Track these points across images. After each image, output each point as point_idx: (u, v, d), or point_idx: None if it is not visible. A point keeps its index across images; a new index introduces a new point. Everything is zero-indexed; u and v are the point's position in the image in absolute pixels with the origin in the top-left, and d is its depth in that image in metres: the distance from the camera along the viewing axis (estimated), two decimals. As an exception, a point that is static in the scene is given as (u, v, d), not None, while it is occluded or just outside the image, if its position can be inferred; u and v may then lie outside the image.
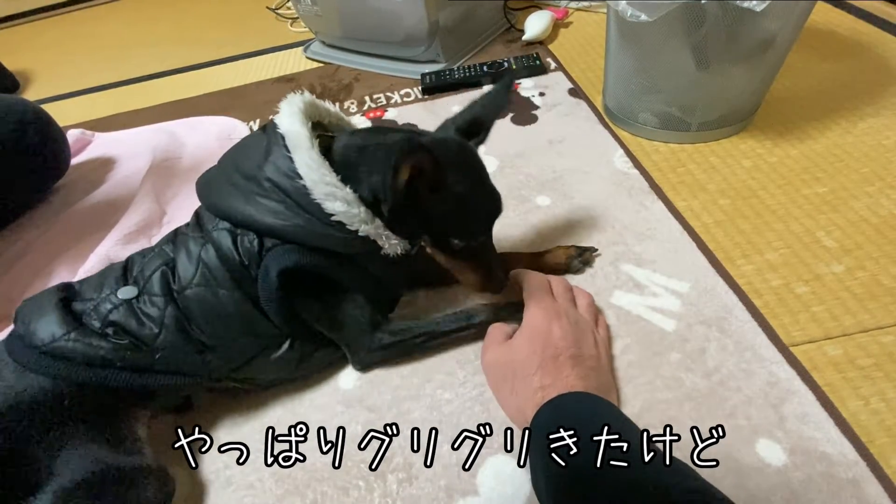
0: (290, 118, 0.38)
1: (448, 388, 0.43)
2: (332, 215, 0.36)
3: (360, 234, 0.37)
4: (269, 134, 0.39)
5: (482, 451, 0.38)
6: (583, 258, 0.50)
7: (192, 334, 0.38)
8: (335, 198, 0.36)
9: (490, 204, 0.40)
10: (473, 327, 0.45)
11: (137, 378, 0.37)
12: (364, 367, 0.45)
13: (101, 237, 0.62)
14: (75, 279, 0.55)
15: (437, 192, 0.36)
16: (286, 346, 0.41)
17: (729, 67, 0.57)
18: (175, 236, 0.42)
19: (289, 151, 0.37)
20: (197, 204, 0.68)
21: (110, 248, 0.58)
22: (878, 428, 0.36)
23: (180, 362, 0.39)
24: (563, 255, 0.50)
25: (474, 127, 0.42)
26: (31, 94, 1.22)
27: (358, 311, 0.42)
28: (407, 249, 0.40)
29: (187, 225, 0.43)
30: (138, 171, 0.75)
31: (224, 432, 0.43)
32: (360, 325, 0.42)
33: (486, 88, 0.45)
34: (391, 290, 0.47)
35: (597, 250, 0.51)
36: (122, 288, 0.39)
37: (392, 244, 0.39)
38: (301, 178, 0.36)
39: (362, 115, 0.83)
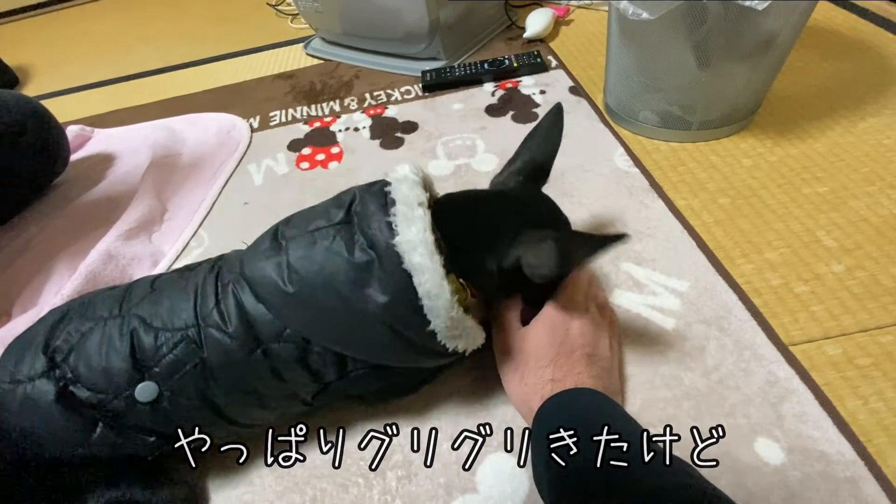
0: (425, 254, 0.30)
1: (448, 385, 0.43)
2: (450, 350, 0.33)
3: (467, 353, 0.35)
4: (382, 256, 0.31)
5: (482, 449, 0.39)
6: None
7: (229, 427, 0.36)
8: (461, 338, 0.33)
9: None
10: None
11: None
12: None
13: (101, 233, 0.62)
14: (74, 275, 0.55)
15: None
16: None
17: (730, 66, 0.57)
18: (199, 319, 0.33)
19: (416, 294, 0.31)
20: (199, 200, 0.69)
21: (111, 244, 0.58)
22: (877, 427, 0.36)
23: (211, 436, 0.37)
24: None
25: (537, 172, 0.42)
26: (30, 90, 1.22)
27: (407, 386, 0.42)
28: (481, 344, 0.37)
29: (216, 304, 0.34)
30: (138, 168, 0.75)
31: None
32: (407, 389, 0.42)
33: (539, 118, 0.43)
34: None
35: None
36: (140, 386, 0.32)
37: (479, 342, 0.36)
38: (430, 324, 0.31)
39: (363, 111, 0.83)
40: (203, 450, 0.40)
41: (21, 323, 0.53)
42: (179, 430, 0.35)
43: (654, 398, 0.39)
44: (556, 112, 0.42)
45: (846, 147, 0.59)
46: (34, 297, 0.58)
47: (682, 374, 0.40)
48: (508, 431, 0.38)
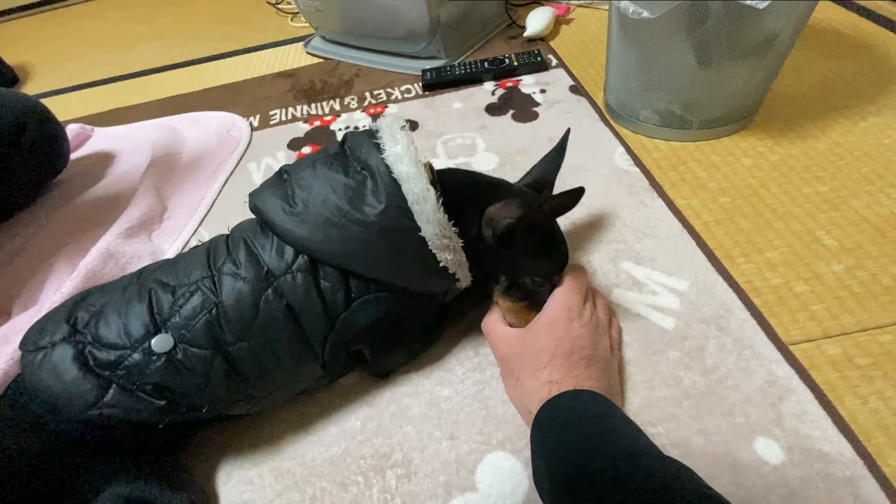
0: (410, 164, 0.35)
1: (447, 384, 0.43)
2: (440, 263, 0.36)
3: (455, 275, 0.38)
4: (374, 171, 0.35)
5: (481, 448, 0.39)
6: None
7: (240, 386, 0.36)
8: (448, 249, 0.36)
9: (565, 248, 0.43)
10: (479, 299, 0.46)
11: (182, 430, 0.37)
12: (387, 374, 0.45)
13: (101, 232, 0.62)
14: (74, 273, 0.55)
15: (532, 231, 0.39)
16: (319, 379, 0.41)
17: (731, 65, 0.57)
18: (212, 269, 0.36)
19: (406, 201, 0.34)
20: (199, 199, 0.69)
21: (111, 242, 0.58)
22: (876, 427, 0.36)
23: (225, 410, 0.38)
24: None
25: (539, 185, 0.46)
26: (30, 89, 1.22)
27: (413, 333, 0.43)
28: (471, 281, 0.41)
29: (228, 252, 0.37)
30: (138, 166, 0.75)
31: (223, 428, 0.43)
32: (409, 345, 0.43)
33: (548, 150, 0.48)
34: (443, 308, 0.46)
35: None
36: (157, 337, 0.34)
37: (468, 279, 0.40)
38: (420, 230, 0.35)
39: (363, 110, 0.83)
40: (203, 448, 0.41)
41: (22, 321, 0.53)
42: (189, 401, 0.35)
43: (653, 397, 0.39)
44: (563, 139, 0.47)
45: (847, 146, 0.59)
46: (34, 295, 0.58)
47: (682, 374, 0.40)
48: (507, 430, 0.38)
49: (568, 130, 0.47)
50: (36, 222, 0.69)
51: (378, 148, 0.36)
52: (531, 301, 0.41)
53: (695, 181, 0.58)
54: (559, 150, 0.47)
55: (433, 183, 0.36)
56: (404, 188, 0.35)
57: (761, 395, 0.38)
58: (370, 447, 0.40)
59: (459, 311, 0.47)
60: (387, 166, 0.35)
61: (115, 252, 0.58)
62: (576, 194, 0.36)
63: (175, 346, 0.34)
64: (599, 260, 0.51)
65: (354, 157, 0.37)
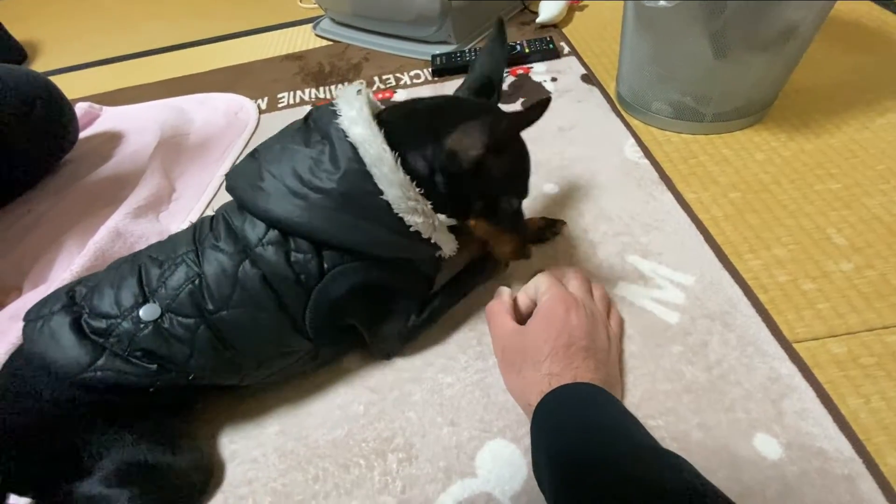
0: (364, 125, 0.34)
1: (449, 372, 0.44)
2: (410, 227, 0.36)
3: (431, 241, 0.38)
4: (332, 138, 0.35)
5: (482, 435, 0.39)
6: (554, 229, 0.52)
7: (226, 355, 0.37)
8: (416, 212, 0.36)
9: (529, 158, 0.41)
10: (478, 282, 0.47)
11: (173, 395, 0.38)
12: (391, 355, 0.45)
13: (111, 211, 0.62)
14: (83, 252, 0.56)
15: (501, 153, 0.37)
16: (311, 353, 0.41)
17: (748, 57, 0.55)
18: (197, 245, 0.38)
19: (363, 164, 0.34)
20: (207, 181, 0.69)
21: (119, 222, 0.58)
22: (877, 426, 0.36)
23: (214, 378, 0.38)
24: (533, 225, 0.52)
25: (487, 88, 0.43)
26: (38, 66, 1.21)
27: (403, 307, 0.42)
28: (455, 250, 0.41)
29: (211, 229, 0.38)
30: (147, 147, 0.75)
31: (229, 408, 0.44)
32: (401, 319, 0.43)
33: (485, 45, 0.44)
34: (432, 281, 0.46)
35: (565, 223, 0.53)
36: (144, 307, 0.35)
37: (450, 247, 0.40)
38: (382, 193, 0.35)
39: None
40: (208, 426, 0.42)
41: (32, 298, 0.53)
42: (180, 363, 0.36)
43: (654, 391, 0.40)
44: (498, 26, 0.43)
45: (862, 143, 0.58)
46: (44, 273, 0.59)
47: (684, 368, 0.41)
48: (507, 418, 0.39)
49: (500, 20, 0.43)
50: (46, 200, 0.69)
51: (335, 115, 0.36)
52: (509, 223, 0.41)
53: (705, 175, 0.58)
54: (500, 41, 0.43)
55: (380, 122, 0.35)
56: (360, 151, 0.34)
57: (763, 391, 0.38)
58: (372, 431, 0.41)
59: (460, 286, 0.46)
60: (343, 131, 0.35)
61: (123, 231, 0.58)
62: (541, 106, 0.33)
63: (162, 315, 0.35)
64: (605, 252, 0.50)
65: (316, 128, 0.37)
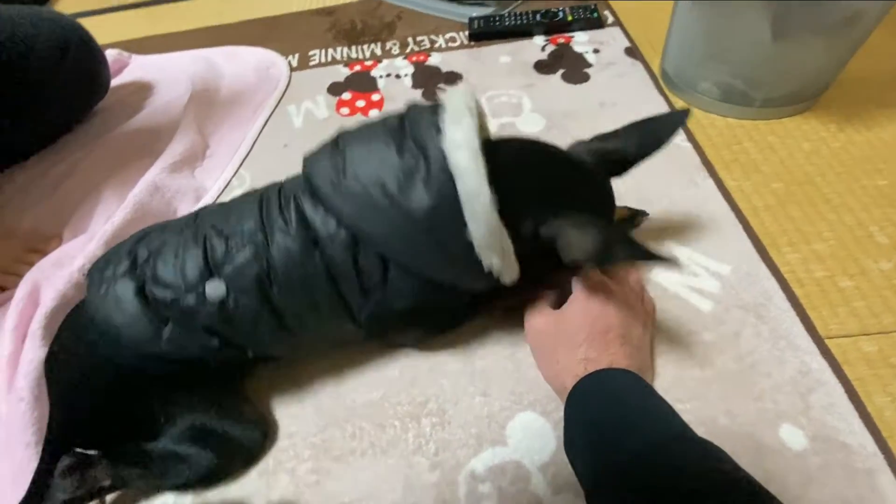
0: (469, 155, 0.31)
1: (482, 344, 0.45)
2: (485, 267, 0.34)
3: (499, 278, 0.35)
4: (431, 158, 0.32)
5: (513, 406, 0.41)
6: (635, 221, 0.50)
7: (286, 336, 0.37)
8: (497, 253, 0.33)
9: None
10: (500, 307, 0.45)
11: (233, 370, 0.39)
12: (402, 346, 0.46)
13: (145, 163, 0.63)
14: (123, 204, 0.56)
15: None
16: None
17: (808, 41, 0.53)
18: (265, 223, 0.36)
19: (457, 195, 0.31)
20: (240, 139, 0.69)
21: (157, 176, 0.59)
22: (902, 425, 0.37)
23: (272, 352, 0.40)
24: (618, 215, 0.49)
25: (618, 164, 0.40)
26: (60, 7, 1.18)
27: (437, 320, 0.43)
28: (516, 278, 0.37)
29: (280, 209, 0.37)
30: (178, 99, 0.75)
31: (269, 368, 0.45)
32: (427, 330, 0.43)
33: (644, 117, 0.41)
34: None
35: (647, 214, 0.50)
36: (210, 282, 0.35)
37: (511, 276, 0.36)
38: (467, 228, 0.32)
39: (405, 58, 0.80)
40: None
41: (74, 247, 0.55)
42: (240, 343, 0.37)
43: (684, 376, 0.41)
44: (679, 121, 0.41)
45: (915, 139, 0.56)
46: (84, 223, 0.60)
47: (715, 357, 0.41)
48: (539, 394, 0.40)
49: (686, 114, 0.41)
50: (80, 149, 0.70)
51: (438, 130, 0.33)
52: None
53: (749, 162, 0.57)
54: (668, 133, 0.40)
55: (487, 152, 0.32)
56: (457, 182, 0.32)
57: (792, 384, 0.39)
58: (407, 395, 0.42)
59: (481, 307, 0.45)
60: (443, 153, 0.32)
61: (161, 186, 0.59)
62: (661, 259, 0.33)
63: (227, 295, 0.35)
64: (642, 237, 0.50)
65: (412, 135, 0.34)
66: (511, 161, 0.36)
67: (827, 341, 0.42)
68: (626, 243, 0.34)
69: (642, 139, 0.40)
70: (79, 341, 0.38)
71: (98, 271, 0.38)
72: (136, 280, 0.36)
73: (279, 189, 0.39)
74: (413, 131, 0.34)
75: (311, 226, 0.35)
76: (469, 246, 0.33)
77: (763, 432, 0.37)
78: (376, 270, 0.35)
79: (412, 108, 0.36)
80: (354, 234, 0.35)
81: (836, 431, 0.37)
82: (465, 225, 0.32)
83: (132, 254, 0.37)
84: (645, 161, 0.41)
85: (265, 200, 0.38)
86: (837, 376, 0.39)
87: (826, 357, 0.40)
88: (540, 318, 0.41)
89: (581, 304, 0.39)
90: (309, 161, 0.37)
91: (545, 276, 0.42)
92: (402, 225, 0.33)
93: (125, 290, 0.35)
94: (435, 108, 0.35)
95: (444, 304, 0.40)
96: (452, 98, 0.34)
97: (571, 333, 0.38)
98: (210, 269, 0.35)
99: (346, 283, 0.36)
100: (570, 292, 0.41)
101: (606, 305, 0.38)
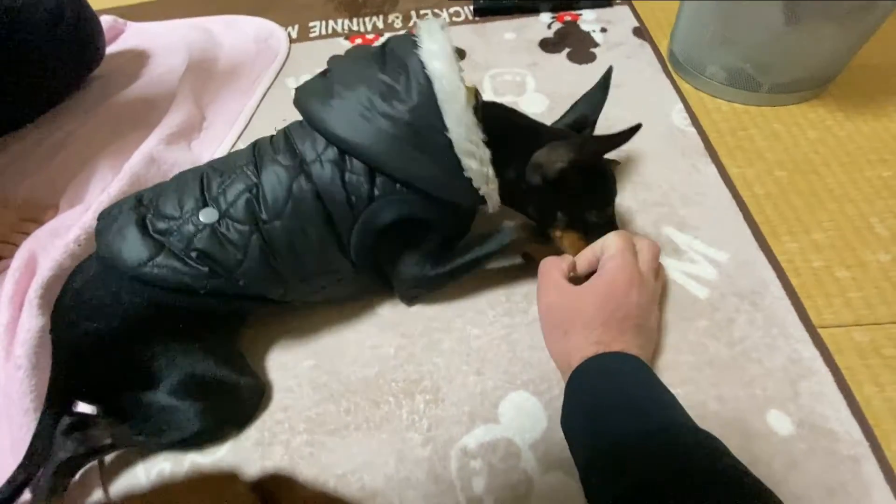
0: (445, 61, 0.35)
1: (477, 324, 0.45)
2: (465, 171, 0.37)
3: (480, 192, 0.39)
4: (411, 69, 0.36)
5: (506, 385, 0.41)
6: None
7: (274, 265, 0.38)
8: (473, 157, 0.37)
9: (613, 178, 0.44)
10: (507, 248, 0.45)
11: (223, 304, 0.39)
12: (410, 299, 0.46)
13: (142, 135, 0.62)
14: (119, 175, 0.56)
15: (585, 173, 0.40)
16: (351, 275, 0.42)
17: (821, 26, 0.52)
18: (256, 158, 0.39)
19: (436, 98, 0.35)
20: (238, 110, 0.68)
21: (153, 148, 0.58)
22: (888, 414, 0.38)
23: (262, 290, 0.40)
24: None
25: (580, 125, 0.47)
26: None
27: (424, 250, 0.43)
28: (498, 208, 0.42)
29: (271, 144, 0.40)
30: (175, 69, 0.73)
31: (266, 341, 0.46)
32: (419, 263, 0.43)
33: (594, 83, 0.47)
34: (461, 237, 0.46)
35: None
36: (203, 210, 0.37)
37: (494, 203, 0.41)
38: (448, 130, 0.36)
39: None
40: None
41: (71, 217, 0.55)
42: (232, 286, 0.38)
43: (676, 361, 0.41)
44: (606, 76, 0.47)
45: (923, 130, 0.56)
46: (80, 193, 0.59)
47: (708, 342, 0.42)
48: (532, 374, 0.41)
49: (610, 69, 0.47)
50: (75, 118, 0.69)
51: (416, 45, 0.36)
52: (595, 233, 0.42)
53: (752, 149, 0.56)
54: (602, 89, 0.46)
55: (475, 109, 0.37)
56: (436, 86, 0.35)
57: (783, 371, 0.40)
58: (402, 372, 0.43)
59: (489, 249, 0.45)
60: (421, 63, 0.36)
61: (157, 158, 0.58)
62: (627, 134, 0.36)
63: (219, 219, 0.37)
64: (642, 222, 0.50)
65: (393, 56, 0.38)
66: (490, 105, 0.41)
67: (820, 331, 0.42)
68: (596, 139, 0.40)
69: (585, 103, 0.48)
70: (85, 283, 0.38)
71: (106, 211, 0.40)
72: (139, 214, 0.38)
73: (271, 136, 0.42)
74: (394, 52, 0.38)
75: (297, 150, 0.38)
76: (448, 146, 0.36)
77: (752, 417, 0.38)
78: (364, 185, 0.38)
79: (391, 38, 0.40)
80: (343, 150, 0.37)
81: (823, 419, 0.37)
82: (443, 124, 0.36)
83: (139, 196, 0.40)
84: (598, 114, 0.47)
85: (260, 142, 0.42)
86: (828, 365, 0.40)
87: (818, 346, 0.41)
88: (555, 293, 0.40)
89: (605, 285, 0.38)
90: (300, 89, 0.40)
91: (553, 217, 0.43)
92: (388, 131, 0.36)
93: (127, 220, 0.38)
94: (412, 35, 0.38)
95: (432, 223, 0.41)
96: (424, 21, 0.38)
97: (590, 314, 0.37)
98: (205, 200, 0.38)
99: (333, 203, 0.38)
100: (584, 269, 0.41)
101: (630, 293, 0.37)
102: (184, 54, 0.74)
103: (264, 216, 0.37)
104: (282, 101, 0.70)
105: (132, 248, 0.36)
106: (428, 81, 0.35)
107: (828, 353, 0.41)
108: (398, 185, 0.38)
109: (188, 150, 0.63)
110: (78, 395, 0.39)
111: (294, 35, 0.81)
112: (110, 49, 0.81)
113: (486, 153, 0.37)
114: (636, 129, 0.36)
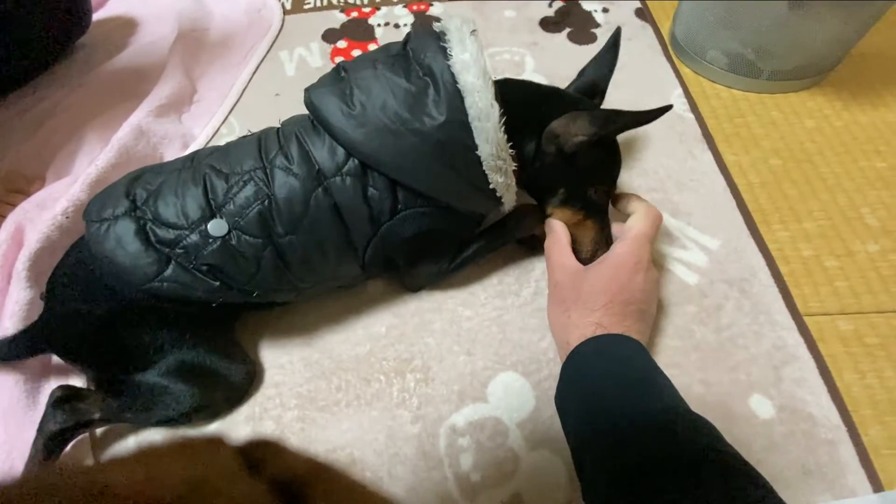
0: (479, 77, 0.33)
1: (469, 306, 0.45)
2: (490, 184, 0.36)
3: (501, 199, 0.38)
4: (439, 80, 0.34)
5: (495, 366, 0.42)
6: None
7: (287, 277, 0.38)
8: (500, 171, 0.36)
9: (620, 155, 0.43)
10: (512, 237, 0.46)
11: (233, 311, 0.39)
12: (418, 288, 0.46)
13: (130, 106, 0.60)
14: (108, 147, 0.54)
15: (599, 147, 0.39)
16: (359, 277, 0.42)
17: (825, 12, 0.51)
18: (264, 160, 0.36)
19: (467, 115, 0.33)
20: (230, 83, 0.66)
21: (142, 119, 0.57)
22: (867, 400, 0.39)
23: (274, 296, 0.40)
24: None
25: (592, 91, 0.45)
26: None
27: (444, 250, 0.43)
28: (514, 205, 0.41)
29: (279, 143, 0.37)
30: (163, 38, 0.71)
31: (258, 318, 0.46)
32: (438, 262, 0.43)
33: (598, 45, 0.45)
34: (473, 231, 0.45)
35: None
36: (212, 222, 0.35)
37: (511, 202, 0.40)
38: (477, 148, 0.34)
39: (405, 6, 0.76)
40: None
41: (57, 188, 0.53)
42: (239, 287, 0.37)
43: (663, 345, 0.42)
44: (614, 37, 0.45)
45: (919, 122, 0.56)
46: (67, 165, 0.58)
47: (695, 328, 0.42)
48: (522, 356, 0.41)
49: (618, 30, 0.45)
50: (61, 87, 0.67)
51: (444, 53, 0.34)
52: (590, 211, 0.41)
53: (749, 137, 0.56)
54: (612, 51, 0.45)
55: (497, 99, 0.34)
56: (467, 102, 0.33)
57: (767, 357, 0.40)
58: (393, 351, 0.43)
59: (495, 238, 0.45)
60: (452, 75, 0.34)
61: (146, 130, 0.57)
62: (656, 113, 0.34)
63: (230, 232, 0.35)
64: (636, 207, 0.50)
65: (417, 60, 0.35)
66: (504, 83, 0.38)
67: (805, 318, 0.43)
68: (622, 114, 0.36)
69: (595, 66, 0.46)
70: (81, 267, 0.37)
71: (95, 212, 0.37)
72: (136, 220, 0.35)
73: (277, 130, 0.39)
74: (417, 56, 0.35)
75: (313, 160, 0.36)
76: (477, 163, 0.35)
77: (734, 401, 0.39)
78: (386, 199, 0.36)
79: (413, 35, 0.37)
80: (364, 163, 0.35)
81: (803, 403, 0.38)
82: (473, 142, 0.34)
83: (130, 195, 0.36)
84: (609, 78, 0.46)
85: (263, 140, 0.38)
86: (811, 352, 0.41)
87: (802, 333, 0.42)
88: (562, 272, 0.40)
89: (611, 268, 0.38)
90: (312, 92, 0.37)
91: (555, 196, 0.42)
92: (414, 146, 0.34)
93: (125, 229, 0.35)
94: (437, 34, 0.36)
95: (450, 231, 0.41)
96: (453, 23, 0.35)
97: (593, 295, 0.37)
98: (211, 208, 0.35)
99: (353, 217, 0.36)
100: (594, 250, 0.41)
101: (635, 278, 0.37)
102: (173, 23, 0.72)
103: (279, 230, 0.35)
104: (275, 74, 0.68)
105: (137, 262, 0.34)
106: (458, 96, 0.33)
107: (812, 340, 0.41)
108: (419, 199, 0.37)
109: (179, 122, 0.61)
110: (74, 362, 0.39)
111: (288, 6, 0.78)
112: (97, 16, 0.78)
113: (511, 166, 0.36)
114: (666, 109, 0.34)
